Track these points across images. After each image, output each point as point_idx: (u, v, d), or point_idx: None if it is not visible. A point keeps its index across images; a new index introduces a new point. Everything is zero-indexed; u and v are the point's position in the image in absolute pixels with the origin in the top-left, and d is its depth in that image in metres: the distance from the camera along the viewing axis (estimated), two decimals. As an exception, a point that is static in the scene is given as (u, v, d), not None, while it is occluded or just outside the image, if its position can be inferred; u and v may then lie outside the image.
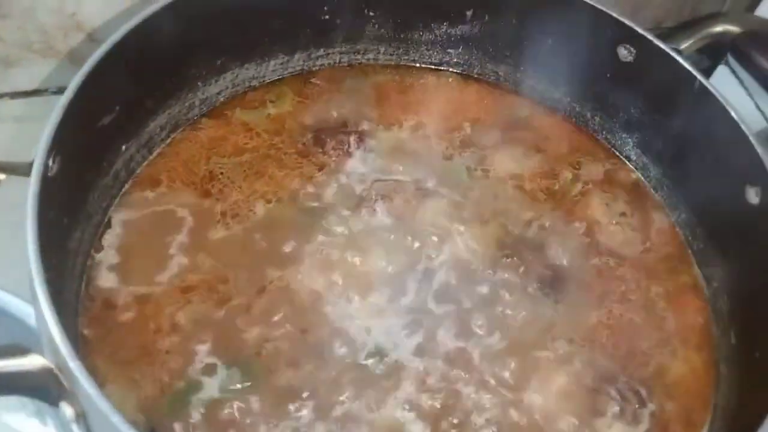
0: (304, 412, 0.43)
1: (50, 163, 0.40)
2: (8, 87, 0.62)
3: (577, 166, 0.59)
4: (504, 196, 0.55)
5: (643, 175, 0.59)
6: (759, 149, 0.47)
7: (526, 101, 0.63)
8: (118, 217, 0.50)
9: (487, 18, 0.60)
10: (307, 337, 0.46)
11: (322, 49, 0.61)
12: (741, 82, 0.65)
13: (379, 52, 0.63)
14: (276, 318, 0.46)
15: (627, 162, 0.60)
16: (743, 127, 0.48)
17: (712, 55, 0.60)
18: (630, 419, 0.46)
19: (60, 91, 0.61)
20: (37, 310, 0.35)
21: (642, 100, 0.57)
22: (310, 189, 0.53)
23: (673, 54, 0.53)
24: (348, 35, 0.61)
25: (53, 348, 0.34)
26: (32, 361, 0.34)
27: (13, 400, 0.47)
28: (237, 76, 0.58)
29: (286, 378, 0.44)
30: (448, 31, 0.61)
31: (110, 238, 0.49)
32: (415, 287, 0.49)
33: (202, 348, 0.44)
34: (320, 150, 0.56)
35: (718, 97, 0.50)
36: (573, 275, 0.52)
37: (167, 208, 0.51)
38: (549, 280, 0.51)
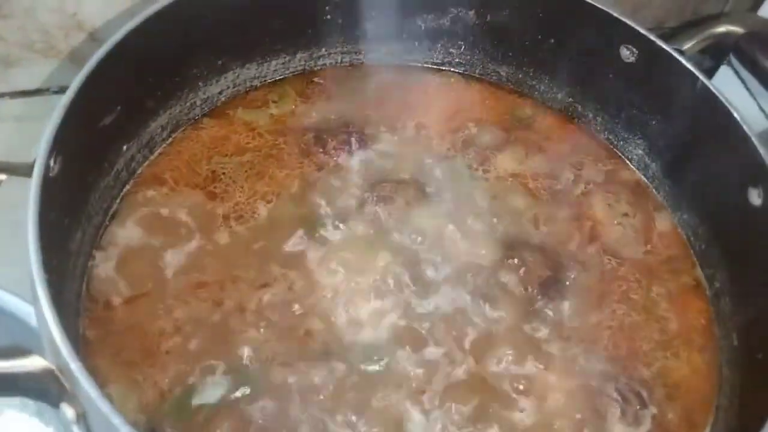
0: (304, 415, 0.43)
1: (51, 163, 0.40)
2: (9, 87, 0.62)
3: (579, 167, 0.59)
4: (505, 197, 0.55)
5: (645, 175, 0.59)
6: (761, 150, 0.47)
7: (528, 101, 0.62)
8: (120, 217, 0.50)
9: (489, 18, 0.60)
10: (308, 340, 0.46)
11: (323, 49, 0.61)
12: (743, 82, 0.65)
13: (381, 52, 0.63)
14: (277, 321, 0.46)
15: (629, 162, 0.60)
16: (745, 127, 0.48)
17: (714, 55, 0.60)
18: (631, 420, 0.46)
19: (61, 90, 0.62)
20: (38, 311, 0.35)
21: (644, 101, 0.57)
22: (311, 190, 0.53)
23: (676, 54, 0.52)
24: (350, 35, 0.61)
25: (54, 349, 0.34)
26: (33, 363, 0.34)
27: (14, 400, 0.47)
28: (238, 75, 0.58)
29: (286, 381, 0.44)
30: (450, 31, 0.61)
31: (111, 239, 0.49)
32: (416, 288, 0.49)
33: (204, 351, 0.44)
34: (321, 150, 0.56)
35: (721, 97, 0.50)
36: (574, 276, 0.51)
37: (169, 208, 0.51)
38: (550, 281, 0.50)
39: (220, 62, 0.56)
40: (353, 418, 0.43)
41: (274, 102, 0.59)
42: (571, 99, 0.61)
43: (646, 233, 0.55)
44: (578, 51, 0.58)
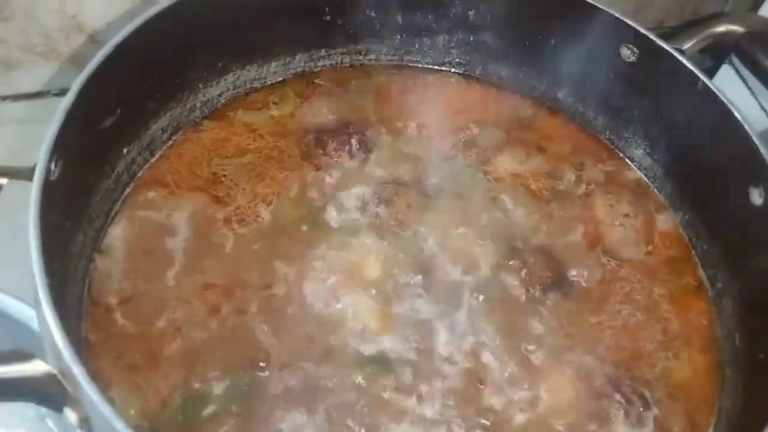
0: (307, 419, 0.43)
1: (52, 167, 0.40)
2: (10, 89, 0.62)
3: (581, 167, 0.59)
4: (507, 198, 0.55)
5: (646, 175, 0.59)
6: (762, 150, 0.47)
7: (529, 102, 0.62)
8: (120, 220, 0.50)
9: (489, 18, 0.60)
10: (311, 342, 0.46)
11: (323, 50, 0.61)
12: (745, 81, 0.65)
13: (380, 53, 0.63)
14: (279, 324, 0.46)
15: (630, 163, 0.60)
16: (746, 127, 0.48)
17: (715, 55, 0.60)
18: (635, 422, 0.46)
19: (62, 93, 0.62)
20: (40, 316, 0.35)
21: (645, 101, 0.57)
22: (311, 191, 0.53)
23: (676, 54, 0.52)
24: (349, 36, 0.61)
25: (56, 353, 0.34)
26: (36, 367, 0.34)
27: (15, 405, 0.47)
28: (238, 77, 0.58)
29: (289, 385, 0.44)
30: (450, 31, 0.61)
31: (112, 242, 0.49)
32: (416, 290, 0.49)
33: (206, 355, 0.44)
34: (321, 151, 0.56)
35: (722, 97, 0.50)
36: (576, 277, 0.51)
37: (170, 210, 0.51)
38: (552, 283, 0.50)
39: (220, 64, 0.56)
40: (358, 423, 0.43)
41: (274, 103, 0.59)
42: (571, 99, 0.61)
43: (648, 234, 0.55)
44: (579, 51, 0.58)
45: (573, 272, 0.52)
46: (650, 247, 0.54)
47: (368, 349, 0.46)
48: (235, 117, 0.58)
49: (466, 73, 0.64)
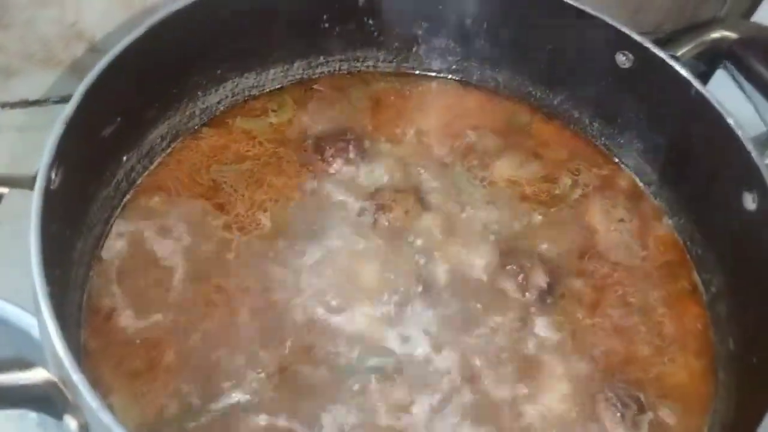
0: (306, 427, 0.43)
1: (53, 176, 0.40)
2: (9, 97, 0.62)
3: (576, 172, 0.59)
4: (504, 203, 0.56)
5: (641, 180, 0.59)
6: (755, 155, 0.47)
7: (526, 108, 0.63)
8: (120, 227, 0.50)
9: (485, 26, 0.60)
10: (309, 349, 0.46)
11: (321, 57, 0.61)
12: (740, 86, 0.65)
13: (378, 60, 0.63)
14: (277, 331, 0.47)
15: (626, 168, 0.60)
16: (739, 133, 0.49)
17: (709, 60, 0.61)
18: (630, 425, 0.46)
19: (61, 100, 0.62)
20: (41, 324, 0.36)
21: (640, 107, 0.57)
22: (309, 198, 0.54)
23: (670, 61, 0.53)
24: (347, 43, 0.61)
25: (57, 361, 0.34)
26: (36, 375, 0.34)
27: (15, 412, 0.47)
28: (237, 85, 0.59)
29: (286, 394, 0.44)
30: (447, 38, 0.62)
31: (111, 249, 0.49)
32: (415, 297, 0.49)
33: (205, 362, 0.45)
34: (320, 158, 0.56)
35: (715, 103, 0.50)
36: (571, 281, 0.52)
37: (169, 218, 0.51)
38: (548, 287, 0.51)
39: (218, 72, 0.57)
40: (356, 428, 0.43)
41: (273, 111, 0.59)
42: (567, 105, 0.62)
43: (643, 238, 0.55)
44: (574, 57, 0.58)
45: (569, 277, 0.52)
46: (645, 252, 0.55)
47: (365, 356, 0.46)
48: (233, 124, 0.58)
49: (463, 79, 0.64)
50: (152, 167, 0.54)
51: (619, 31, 0.54)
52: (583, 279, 0.52)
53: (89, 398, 0.33)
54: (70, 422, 0.34)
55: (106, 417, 0.32)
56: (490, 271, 0.51)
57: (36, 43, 0.59)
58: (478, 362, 0.47)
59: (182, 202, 0.52)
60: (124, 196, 0.52)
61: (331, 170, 0.56)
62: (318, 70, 0.62)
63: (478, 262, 0.51)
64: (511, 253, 0.52)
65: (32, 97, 0.62)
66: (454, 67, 0.64)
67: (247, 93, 0.59)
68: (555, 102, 0.62)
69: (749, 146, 0.48)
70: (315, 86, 0.61)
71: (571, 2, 0.55)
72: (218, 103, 0.58)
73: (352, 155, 0.56)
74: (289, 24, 0.58)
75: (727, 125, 0.49)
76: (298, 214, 0.53)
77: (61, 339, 0.35)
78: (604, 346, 0.49)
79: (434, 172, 0.57)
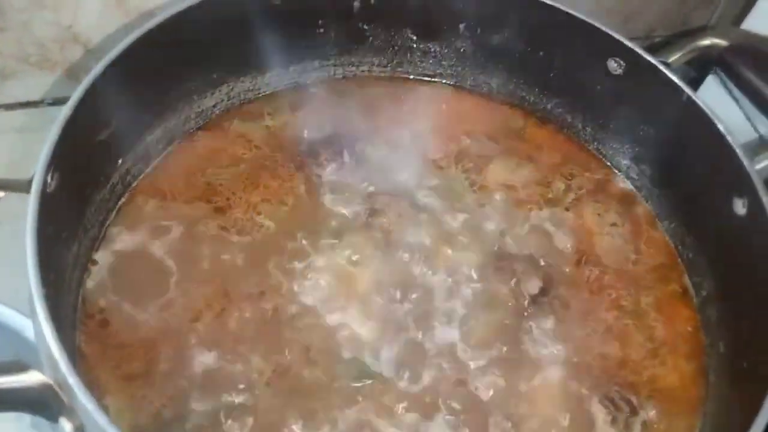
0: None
1: (49, 179, 0.40)
2: (5, 99, 0.62)
3: (570, 177, 0.59)
4: (497, 207, 0.56)
5: (634, 185, 0.60)
6: (745, 161, 0.48)
7: (519, 112, 0.63)
8: (115, 230, 0.50)
9: (479, 31, 0.60)
10: (304, 355, 0.46)
11: (317, 62, 0.62)
12: (730, 92, 0.66)
13: (373, 65, 0.63)
14: (273, 338, 0.47)
15: (618, 172, 0.61)
16: (729, 139, 0.49)
17: (700, 66, 0.61)
18: (622, 427, 0.46)
19: (56, 102, 0.62)
20: (36, 327, 0.36)
21: (632, 112, 0.58)
22: (304, 201, 0.54)
23: (662, 67, 0.53)
24: (342, 48, 0.61)
25: (52, 364, 0.34)
26: (31, 378, 0.34)
27: (10, 414, 0.47)
28: (232, 88, 0.59)
29: (282, 398, 0.44)
30: (441, 43, 0.62)
31: (107, 252, 0.49)
32: (407, 300, 0.49)
33: (200, 368, 0.45)
34: (314, 162, 0.56)
35: (705, 109, 0.51)
36: (564, 285, 0.52)
37: (164, 220, 0.51)
38: (541, 291, 0.51)
39: (214, 76, 0.57)
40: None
41: (268, 114, 0.60)
42: (560, 110, 0.62)
43: (635, 242, 0.56)
44: (567, 63, 0.59)
45: (562, 280, 0.52)
46: (637, 256, 0.55)
47: (359, 359, 0.47)
48: (229, 127, 0.58)
49: (457, 84, 0.64)
50: (148, 170, 0.54)
51: (610, 38, 0.55)
52: (575, 283, 0.53)
53: (85, 401, 0.33)
54: (66, 425, 0.34)
55: (101, 419, 0.33)
56: (483, 275, 0.51)
57: (32, 45, 0.59)
58: (471, 365, 0.47)
59: (178, 205, 0.52)
60: (119, 199, 0.52)
61: (326, 174, 0.56)
62: (313, 75, 0.62)
63: (472, 265, 0.52)
64: (504, 258, 0.53)
65: (27, 99, 0.62)
66: (448, 72, 0.64)
67: (242, 97, 0.60)
68: (548, 107, 0.63)
69: (739, 152, 0.48)
70: (311, 90, 0.62)
71: (564, 8, 0.56)
72: (214, 106, 0.58)
73: (346, 159, 0.57)
74: (284, 28, 0.58)
75: (718, 131, 0.50)
76: (293, 217, 0.53)
77: (57, 341, 0.35)
78: (596, 349, 0.50)
79: (428, 176, 0.57)
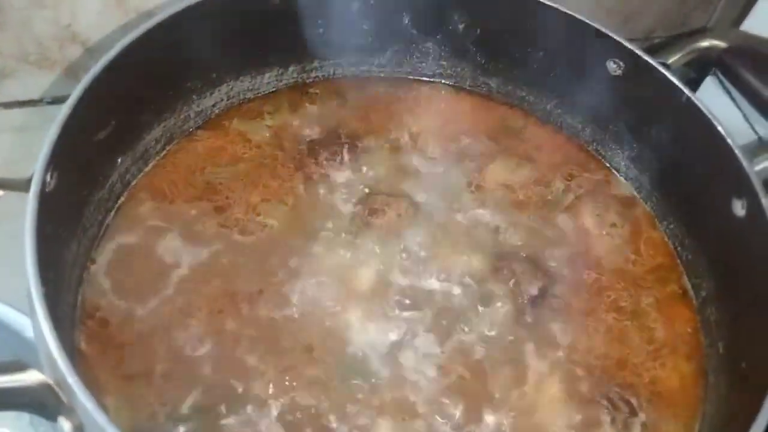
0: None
1: (48, 179, 0.40)
2: (3, 97, 0.62)
3: (569, 177, 0.59)
4: (496, 208, 0.56)
5: (633, 186, 0.60)
6: (744, 163, 0.48)
7: (518, 113, 0.63)
8: (114, 229, 0.50)
9: (479, 31, 0.60)
10: (304, 357, 0.46)
11: (316, 62, 0.62)
12: (729, 93, 0.66)
13: (372, 64, 0.63)
14: (273, 339, 0.46)
15: (617, 173, 0.61)
16: (729, 140, 0.49)
17: (699, 68, 0.61)
18: (621, 428, 0.46)
19: (55, 101, 0.62)
20: (36, 327, 0.36)
21: (631, 113, 0.58)
22: (303, 201, 0.54)
23: (661, 68, 0.53)
24: (341, 48, 0.61)
25: (51, 363, 0.34)
26: (31, 377, 0.34)
27: (9, 413, 0.47)
28: (232, 88, 0.59)
29: (282, 405, 0.44)
30: (441, 43, 0.62)
31: (106, 251, 0.49)
32: (406, 300, 0.50)
33: (198, 368, 0.45)
34: (314, 161, 0.56)
35: (705, 111, 0.51)
36: (564, 286, 0.52)
37: (163, 220, 0.51)
38: (540, 292, 0.51)
39: (214, 75, 0.57)
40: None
41: (268, 113, 0.60)
42: (560, 110, 0.62)
43: (634, 243, 0.56)
44: (566, 64, 0.59)
45: (561, 281, 0.52)
46: (637, 257, 0.55)
47: (359, 358, 0.47)
48: (229, 126, 0.58)
49: (457, 84, 0.64)
50: (147, 169, 0.54)
51: (610, 39, 0.55)
52: (575, 283, 0.53)
53: (84, 400, 0.33)
54: (65, 424, 0.34)
55: (101, 419, 0.33)
56: (482, 276, 0.51)
57: (30, 44, 0.59)
58: (469, 366, 0.47)
59: (177, 204, 0.52)
60: (118, 198, 0.52)
61: (325, 173, 0.56)
62: (313, 75, 0.62)
63: (470, 266, 0.52)
64: (503, 258, 0.53)
65: (26, 98, 0.62)
66: (447, 72, 0.64)
67: (242, 96, 0.60)
68: (548, 107, 0.63)
69: (739, 153, 0.48)
70: (311, 90, 0.62)
71: (563, 9, 0.56)
72: (213, 106, 0.58)
73: (346, 159, 0.57)
74: (283, 28, 0.58)
75: (718, 132, 0.50)
76: (292, 216, 0.53)
77: (56, 340, 0.35)
78: (595, 350, 0.50)
79: (427, 175, 0.57)
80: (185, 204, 0.52)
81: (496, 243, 0.54)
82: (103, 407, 0.35)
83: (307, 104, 0.61)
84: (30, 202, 0.38)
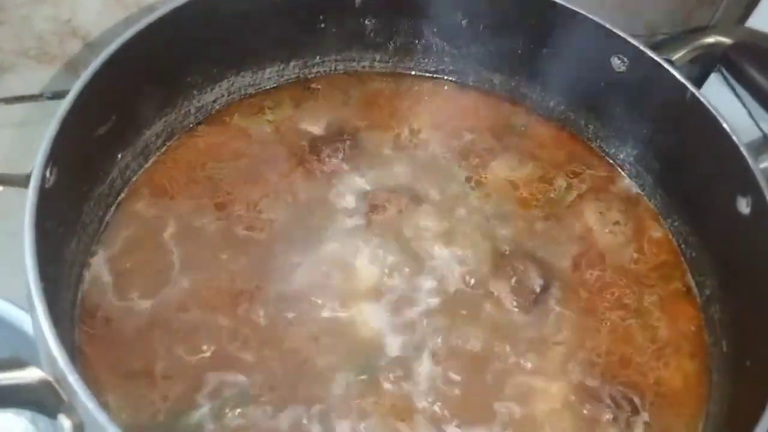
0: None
1: (47, 174, 0.40)
2: (3, 92, 0.62)
3: (572, 175, 0.59)
4: (499, 205, 0.56)
5: (636, 183, 0.60)
6: (749, 160, 0.48)
7: (521, 109, 0.63)
8: (114, 225, 0.50)
9: (481, 27, 0.60)
10: (305, 354, 0.46)
11: (318, 57, 0.61)
12: (734, 90, 0.66)
13: (374, 60, 0.63)
14: (276, 334, 0.46)
15: (621, 170, 0.60)
16: (734, 137, 0.49)
17: (704, 64, 0.61)
18: (623, 426, 0.46)
19: (55, 96, 0.62)
20: (35, 323, 0.35)
21: (635, 110, 0.57)
22: (304, 197, 0.54)
23: (665, 65, 0.53)
24: (343, 43, 0.61)
25: (51, 360, 0.34)
26: (31, 374, 0.34)
27: (9, 410, 0.47)
28: (233, 83, 0.58)
29: (289, 394, 0.44)
30: (443, 39, 0.62)
31: (106, 247, 0.49)
32: (407, 296, 0.49)
33: (199, 367, 0.44)
34: (315, 157, 0.56)
35: (710, 108, 0.51)
36: (566, 284, 0.52)
37: (163, 215, 0.51)
38: (542, 289, 0.51)
39: (214, 70, 0.57)
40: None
41: (269, 108, 0.59)
42: (563, 107, 0.62)
43: (638, 241, 0.56)
44: (570, 60, 0.58)
45: (563, 279, 0.52)
46: (640, 254, 0.55)
47: (363, 353, 0.46)
48: (230, 122, 0.58)
49: (460, 80, 0.64)
50: (147, 165, 0.54)
51: (614, 35, 0.55)
52: (577, 281, 0.52)
53: (84, 397, 0.33)
54: (65, 422, 0.34)
55: (101, 416, 0.32)
56: (484, 273, 0.51)
57: (30, 39, 0.59)
58: (470, 363, 0.47)
59: (177, 199, 0.52)
60: (118, 194, 0.51)
61: (327, 169, 0.56)
62: (314, 70, 0.62)
63: (472, 263, 0.51)
64: (505, 255, 0.52)
65: (26, 93, 0.62)
66: (450, 68, 0.64)
67: (242, 92, 0.59)
68: (551, 104, 0.62)
69: (744, 151, 0.48)
70: (312, 85, 0.61)
71: (567, 5, 0.55)
72: (214, 101, 0.58)
73: (347, 155, 0.56)
74: (285, 23, 0.58)
75: (723, 129, 0.49)
76: (293, 212, 0.53)
77: (55, 336, 0.34)
78: (598, 347, 0.49)
79: (429, 172, 0.57)
80: (186, 200, 0.52)
81: (498, 240, 0.53)
82: (104, 405, 0.35)
83: (308, 100, 0.60)
84: (29, 198, 0.38)
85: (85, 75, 0.44)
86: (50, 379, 0.34)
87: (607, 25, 0.55)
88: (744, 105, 0.66)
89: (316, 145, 0.57)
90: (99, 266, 0.48)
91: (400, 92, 0.63)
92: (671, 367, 0.49)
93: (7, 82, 0.61)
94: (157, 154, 0.54)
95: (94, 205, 0.49)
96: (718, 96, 0.62)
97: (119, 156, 0.51)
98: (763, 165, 0.50)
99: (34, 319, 0.36)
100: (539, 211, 0.56)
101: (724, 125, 0.50)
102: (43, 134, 0.41)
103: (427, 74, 0.64)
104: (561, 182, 0.58)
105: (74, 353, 0.43)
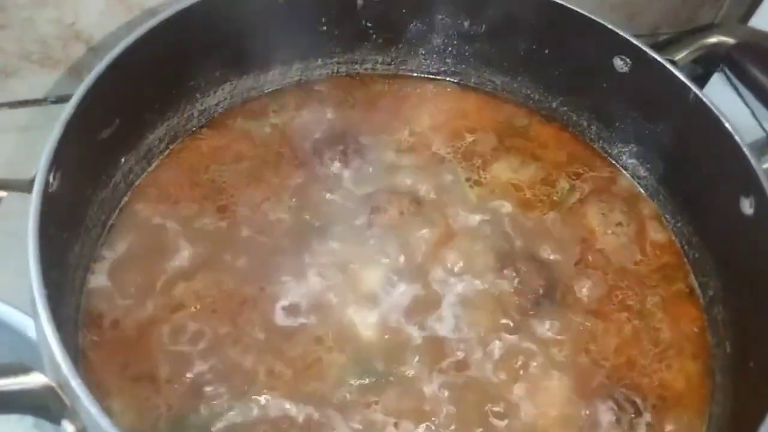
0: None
1: (51, 179, 0.40)
2: (7, 97, 0.62)
3: (574, 176, 0.59)
4: (500, 206, 0.56)
5: (639, 184, 0.59)
6: (752, 161, 0.47)
7: (524, 110, 0.63)
8: (118, 229, 0.50)
9: (484, 28, 0.60)
10: (311, 358, 0.46)
11: (320, 60, 0.61)
12: (736, 89, 0.66)
13: (377, 62, 0.63)
14: (280, 339, 0.46)
15: (623, 171, 0.60)
16: (737, 138, 0.49)
17: (706, 64, 0.61)
18: (626, 428, 0.46)
19: (59, 100, 0.62)
20: (38, 328, 0.36)
21: (638, 110, 0.57)
22: (307, 199, 0.54)
23: (668, 65, 0.53)
24: (346, 46, 0.61)
25: (54, 366, 0.34)
26: (34, 380, 0.34)
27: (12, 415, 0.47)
28: (235, 87, 0.58)
29: (294, 397, 0.44)
30: (445, 41, 0.62)
31: (109, 252, 0.49)
32: (409, 298, 0.49)
33: (203, 371, 0.44)
34: (318, 159, 0.56)
35: (713, 108, 0.50)
36: (568, 285, 0.52)
37: (167, 219, 0.51)
38: (545, 291, 0.51)
39: (217, 74, 0.57)
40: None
41: (273, 111, 0.59)
42: (565, 108, 0.62)
43: (640, 242, 0.56)
44: (572, 61, 0.59)
45: (565, 280, 0.52)
46: (643, 256, 0.55)
47: (364, 356, 0.46)
48: (233, 125, 0.58)
49: (462, 82, 0.64)
50: (151, 168, 0.54)
51: (616, 35, 0.55)
52: (580, 282, 0.52)
53: (87, 403, 0.33)
54: (68, 427, 0.34)
55: (104, 422, 0.32)
56: (486, 274, 0.51)
57: (34, 43, 0.59)
58: (474, 366, 0.47)
59: (181, 203, 0.52)
60: (122, 198, 0.52)
61: (329, 171, 0.56)
62: (317, 72, 0.62)
63: (474, 264, 0.51)
64: (507, 257, 0.52)
65: (30, 97, 0.62)
66: (452, 69, 0.64)
67: (246, 95, 0.59)
68: (553, 105, 0.62)
69: (747, 151, 0.48)
70: (315, 88, 0.61)
71: (569, 6, 0.55)
72: (217, 104, 0.58)
73: (349, 157, 0.56)
74: (287, 26, 0.58)
75: (726, 130, 0.49)
76: (296, 214, 0.53)
77: (59, 341, 0.34)
78: (600, 349, 0.49)
79: (431, 174, 0.57)
80: (189, 203, 0.52)
81: (501, 242, 0.53)
82: (108, 410, 0.35)
83: (311, 102, 0.60)
84: (33, 202, 0.38)
85: (89, 79, 0.44)
86: (53, 384, 0.34)
87: (610, 26, 0.55)
88: (747, 105, 0.66)
89: (318, 147, 0.57)
90: (103, 270, 0.48)
91: (403, 94, 0.63)
92: (674, 369, 0.49)
93: (11, 87, 0.61)
94: (161, 157, 0.55)
95: (97, 209, 0.49)
96: (721, 96, 0.61)
97: (122, 160, 0.51)
98: (766, 165, 0.50)
99: (38, 325, 0.36)
100: (542, 212, 0.56)
101: (727, 125, 0.49)
102: (47, 138, 0.41)
103: (429, 76, 0.64)
104: (563, 183, 0.58)
105: (78, 358, 0.43)
